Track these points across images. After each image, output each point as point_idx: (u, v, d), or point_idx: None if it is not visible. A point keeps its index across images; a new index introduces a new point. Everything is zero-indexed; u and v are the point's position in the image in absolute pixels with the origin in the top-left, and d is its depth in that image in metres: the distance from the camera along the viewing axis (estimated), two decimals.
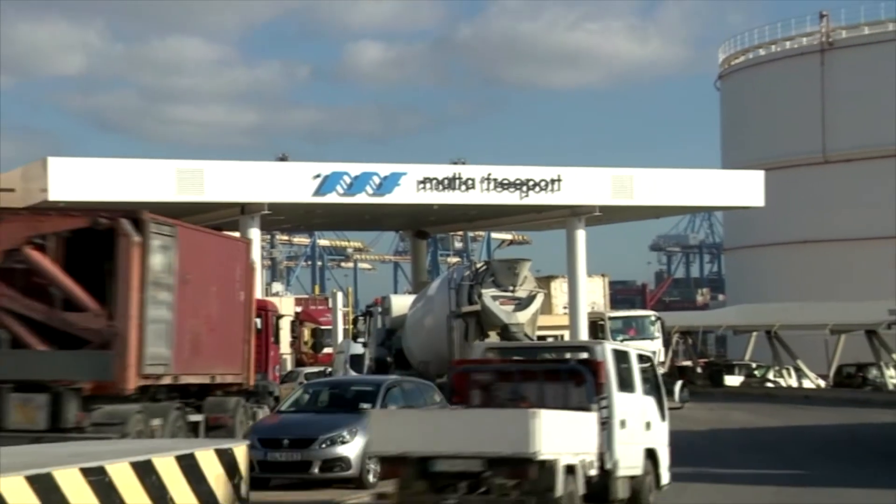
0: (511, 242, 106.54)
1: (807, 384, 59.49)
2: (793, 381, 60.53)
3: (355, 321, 48.08)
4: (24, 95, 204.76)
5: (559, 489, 16.08)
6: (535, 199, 44.77)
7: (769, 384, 60.36)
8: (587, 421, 17.38)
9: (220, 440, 18.11)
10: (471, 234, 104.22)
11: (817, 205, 78.00)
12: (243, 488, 14.84)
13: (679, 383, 21.84)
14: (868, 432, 36.62)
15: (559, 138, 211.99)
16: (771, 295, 74.14)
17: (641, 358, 19.61)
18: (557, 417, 16.61)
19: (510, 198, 44.57)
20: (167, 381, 22.05)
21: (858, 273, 74.38)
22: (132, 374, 20.62)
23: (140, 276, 20.76)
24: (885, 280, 67.78)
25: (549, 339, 43.29)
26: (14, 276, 21.14)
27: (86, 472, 12.33)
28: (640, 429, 19.00)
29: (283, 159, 67.51)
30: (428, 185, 43.47)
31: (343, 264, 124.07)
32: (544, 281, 50.46)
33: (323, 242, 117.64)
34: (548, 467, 15.97)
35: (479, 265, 37.03)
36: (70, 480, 12.09)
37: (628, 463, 18.37)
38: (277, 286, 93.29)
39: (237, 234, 38.83)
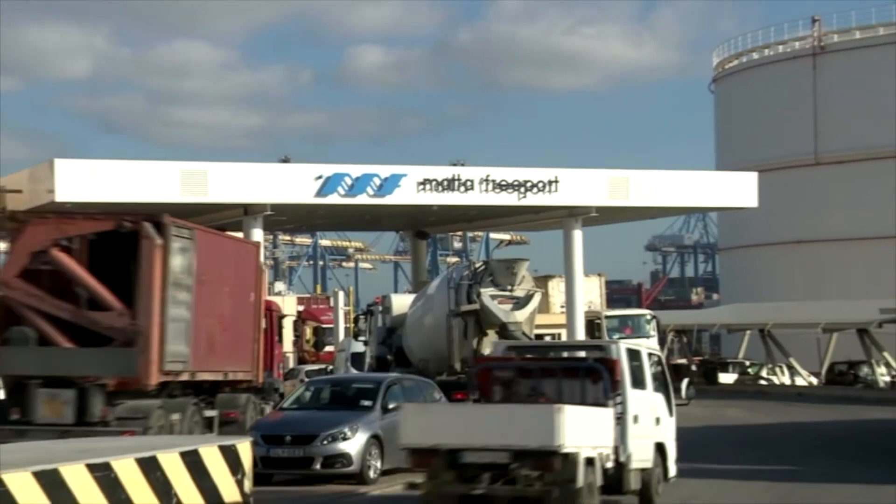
0: (509, 242, 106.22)
1: (799, 382, 59.69)
2: (786, 379, 60.74)
3: (356, 320, 47.98)
4: (31, 98, 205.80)
5: (580, 480, 16.77)
6: (533, 199, 44.41)
7: (762, 382, 60.64)
8: (604, 416, 18.07)
9: (224, 437, 18.62)
10: (470, 234, 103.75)
11: (809, 206, 78.17)
12: (246, 484, 15.10)
13: (686, 381, 22.75)
14: (860, 428, 36.92)
15: (557, 140, 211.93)
16: (764, 294, 74.30)
17: (652, 356, 20.26)
18: (579, 413, 17.32)
19: (508, 199, 44.19)
20: (185, 377, 22.68)
21: (850, 273, 74.65)
22: (154, 370, 21.28)
23: (162, 277, 21.42)
24: (877, 279, 68.37)
25: (547, 338, 43.75)
26: (42, 277, 21.84)
27: (92, 468, 12.49)
28: (651, 424, 19.66)
29: (285, 161, 67.86)
30: (428, 187, 43.18)
31: (344, 264, 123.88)
32: (542, 280, 50.29)
33: (324, 242, 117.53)
34: (570, 460, 16.67)
35: (477, 265, 37.09)
36: (76, 476, 12.26)
37: (640, 456, 19.05)
38: (280, 285, 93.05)
39: (241, 235, 39.33)
